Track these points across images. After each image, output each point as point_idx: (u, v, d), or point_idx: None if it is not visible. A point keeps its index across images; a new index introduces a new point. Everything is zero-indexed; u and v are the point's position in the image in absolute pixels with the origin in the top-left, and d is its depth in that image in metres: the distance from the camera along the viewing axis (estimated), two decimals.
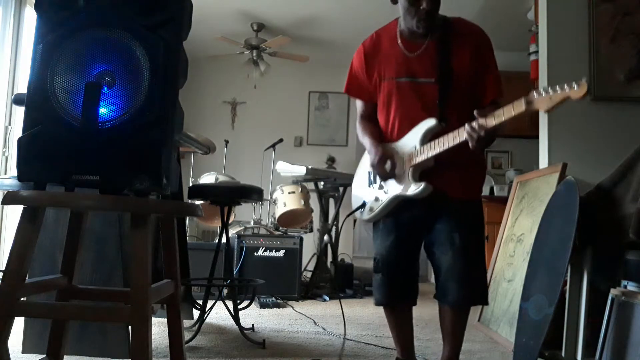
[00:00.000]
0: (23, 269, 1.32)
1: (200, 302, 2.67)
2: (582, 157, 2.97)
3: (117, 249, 2.14)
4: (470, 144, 1.74)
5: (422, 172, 1.90)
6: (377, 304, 2.04)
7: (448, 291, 1.90)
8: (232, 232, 4.58)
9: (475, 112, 1.72)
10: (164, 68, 1.33)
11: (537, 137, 3.24)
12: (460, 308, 1.94)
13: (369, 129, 2.06)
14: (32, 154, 1.31)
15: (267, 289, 3.79)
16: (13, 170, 3.31)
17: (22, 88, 3.89)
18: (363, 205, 2.05)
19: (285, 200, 4.62)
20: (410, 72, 1.94)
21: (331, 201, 4.95)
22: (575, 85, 1.54)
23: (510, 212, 3.28)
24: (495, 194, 5.26)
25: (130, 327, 1.32)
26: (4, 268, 1.33)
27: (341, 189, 4.73)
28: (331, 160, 5.93)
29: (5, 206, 3.55)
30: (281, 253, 4.23)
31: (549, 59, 3.16)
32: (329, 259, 4.77)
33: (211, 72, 6.77)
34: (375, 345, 2.58)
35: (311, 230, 5.09)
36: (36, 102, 1.33)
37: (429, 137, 1.88)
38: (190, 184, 4.83)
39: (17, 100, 2.25)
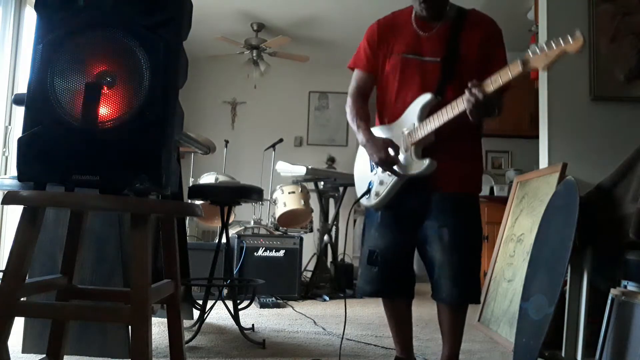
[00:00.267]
0: (23, 269, 1.32)
1: (200, 302, 2.67)
2: (582, 157, 2.97)
3: (117, 249, 2.14)
4: (468, 111, 1.73)
5: (424, 149, 1.90)
6: (366, 295, 2.03)
7: (442, 289, 1.89)
8: (232, 232, 4.57)
9: (469, 83, 1.72)
10: (164, 68, 1.33)
11: (537, 137, 3.24)
12: (455, 306, 1.94)
13: (362, 112, 2.04)
14: (32, 154, 1.31)
15: (267, 289, 3.79)
16: (13, 170, 3.31)
17: (22, 88, 3.89)
18: (369, 190, 2.03)
19: (285, 200, 4.61)
20: (418, 49, 1.96)
21: (331, 201, 4.95)
22: (570, 39, 1.52)
23: (510, 212, 3.28)
24: (495, 194, 5.26)
25: (130, 327, 1.32)
26: (4, 268, 1.33)
27: (341, 189, 4.73)
28: (331, 160, 5.94)
29: (5, 206, 3.55)
30: (281, 253, 4.23)
31: None
32: (329, 259, 4.77)
33: (211, 72, 6.76)
34: (375, 345, 2.58)
35: (311, 230, 5.09)
36: (36, 102, 1.33)
37: (426, 112, 1.88)
38: (190, 184, 4.83)
39: (17, 100, 2.24)
